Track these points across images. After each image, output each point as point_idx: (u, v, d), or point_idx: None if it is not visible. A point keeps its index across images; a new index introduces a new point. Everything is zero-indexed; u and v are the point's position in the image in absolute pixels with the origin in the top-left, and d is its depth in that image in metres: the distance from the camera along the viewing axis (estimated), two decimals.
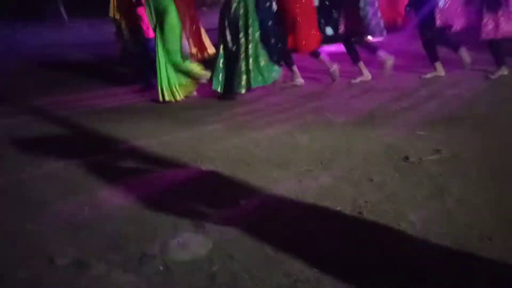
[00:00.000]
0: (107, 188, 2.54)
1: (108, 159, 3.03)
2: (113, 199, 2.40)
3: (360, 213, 2.05)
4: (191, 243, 1.93)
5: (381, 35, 4.41)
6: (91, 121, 3.89)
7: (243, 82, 4.13)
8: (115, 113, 4.15)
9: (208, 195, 2.36)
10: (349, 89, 4.21)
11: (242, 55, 4.12)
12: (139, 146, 3.19)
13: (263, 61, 4.17)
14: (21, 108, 4.55)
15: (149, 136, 3.40)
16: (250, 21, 4.09)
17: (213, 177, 2.62)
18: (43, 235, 2.08)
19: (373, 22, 4.20)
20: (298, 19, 4.25)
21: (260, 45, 4.16)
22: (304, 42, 4.30)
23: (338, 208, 2.10)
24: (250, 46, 4.11)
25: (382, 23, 4.30)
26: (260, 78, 4.17)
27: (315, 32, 4.37)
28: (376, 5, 4.25)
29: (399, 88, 4.06)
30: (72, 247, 1.95)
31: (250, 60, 4.10)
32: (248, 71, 4.12)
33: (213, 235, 1.95)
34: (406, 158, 2.59)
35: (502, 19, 3.71)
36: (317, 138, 3.06)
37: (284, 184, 2.40)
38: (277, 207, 2.17)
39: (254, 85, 4.16)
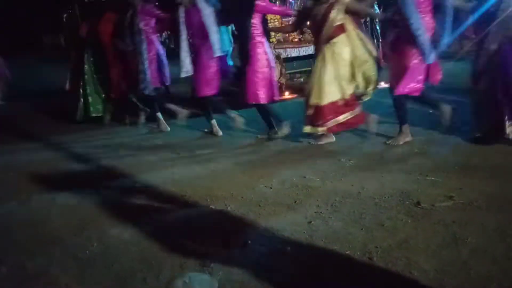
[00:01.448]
0: (116, 224, 2.56)
1: (121, 195, 3.08)
2: (121, 235, 2.41)
3: (370, 258, 2.00)
4: (196, 282, 1.90)
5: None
6: (106, 157, 4.00)
7: None
8: (129, 149, 4.25)
9: (217, 235, 2.35)
10: (361, 132, 4.23)
11: None
12: (151, 182, 3.24)
13: None
14: (37, 144, 4.70)
15: (162, 172, 3.47)
16: None
17: (223, 216, 2.61)
18: (53, 270, 2.09)
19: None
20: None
21: None
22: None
23: (348, 252, 2.06)
24: None
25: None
26: None
27: None
28: None
29: (410, 130, 4.05)
30: (79, 285, 1.95)
31: None
32: None
33: (220, 275, 1.92)
34: (418, 203, 2.55)
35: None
36: (328, 180, 3.06)
37: (294, 226, 2.37)
38: (285, 249, 2.14)
39: None
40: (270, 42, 6.59)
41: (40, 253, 2.27)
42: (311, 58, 7.82)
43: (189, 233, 2.39)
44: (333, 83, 3.80)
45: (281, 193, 2.90)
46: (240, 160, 3.68)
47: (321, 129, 3.87)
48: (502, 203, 2.47)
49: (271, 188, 3.00)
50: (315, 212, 2.56)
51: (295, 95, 6.51)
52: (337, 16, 3.72)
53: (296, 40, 7.26)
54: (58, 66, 7.95)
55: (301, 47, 7.26)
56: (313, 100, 3.83)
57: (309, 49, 7.34)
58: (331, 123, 3.85)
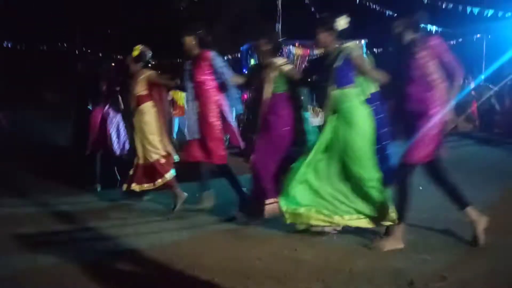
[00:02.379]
0: None
1: (105, 259, 2.97)
2: None
3: None
4: None
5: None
6: (94, 219, 3.90)
7: None
8: (118, 211, 4.17)
9: None
10: None
11: None
12: (137, 247, 3.14)
13: None
14: (24, 201, 4.60)
15: (149, 236, 3.38)
16: None
17: None
18: None
19: None
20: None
21: None
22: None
23: None
24: None
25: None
26: None
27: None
28: None
29: None
30: None
31: None
32: None
33: None
34: (411, 283, 2.48)
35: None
36: (320, 254, 2.99)
37: None
38: None
39: None
40: None
41: None
42: None
43: None
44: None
45: (271, 265, 2.82)
46: (231, 228, 3.61)
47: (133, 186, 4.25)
48: (493, 281, 2.43)
49: (261, 259, 2.91)
50: (305, 287, 2.47)
51: None
52: (139, 86, 4.26)
53: None
54: (58, 123, 8.07)
55: None
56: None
57: None
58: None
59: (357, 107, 3.20)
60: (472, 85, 10.48)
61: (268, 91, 3.63)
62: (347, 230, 3.45)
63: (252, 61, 7.31)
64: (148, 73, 4.33)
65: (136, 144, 4.40)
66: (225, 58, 16.53)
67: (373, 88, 3.34)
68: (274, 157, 3.60)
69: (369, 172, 3.15)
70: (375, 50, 14.43)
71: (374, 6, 11.72)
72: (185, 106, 4.49)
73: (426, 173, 3.20)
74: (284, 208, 3.24)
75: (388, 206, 3.13)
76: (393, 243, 3.07)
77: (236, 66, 11.62)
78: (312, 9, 11.83)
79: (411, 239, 3.23)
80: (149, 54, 4.45)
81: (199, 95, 3.93)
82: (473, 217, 3.07)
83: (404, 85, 3.11)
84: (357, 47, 3.34)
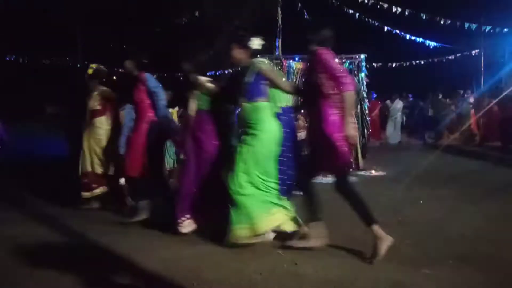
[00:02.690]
0: None
1: (104, 273, 2.94)
2: None
3: None
4: None
5: None
6: (94, 232, 3.88)
7: None
8: (117, 226, 4.15)
9: None
10: (353, 221, 4.22)
11: None
12: (138, 261, 3.12)
13: None
14: (26, 216, 4.59)
15: (148, 250, 3.35)
16: None
17: None
18: None
19: None
20: None
21: None
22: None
23: None
24: None
25: None
26: None
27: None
28: None
29: (402, 222, 4.06)
30: None
31: None
32: None
33: None
34: None
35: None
36: (321, 268, 2.97)
37: None
38: None
39: None
40: None
41: None
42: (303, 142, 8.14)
43: None
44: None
45: (271, 280, 2.80)
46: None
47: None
48: None
49: (260, 274, 2.89)
50: None
51: None
52: (93, 101, 4.74)
53: None
54: (57, 134, 8.07)
55: None
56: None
57: (302, 135, 7.64)
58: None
59: (265, 120, 3.34)
60: (471, 99, 10.58)
61: (192, 108, 3.79)
62: (345, 242, 3.45)
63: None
64: (101, 89, 4.84)
65: (85, 153, 4.80)
66: (226, 72, 16.76)
67: (285, 102, 3.58)
68: (199, 173, 3.71)
69: (269, 183, 3.37)
70: (374, 64, 14.59)
71: (373, 22, 11.88)
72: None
73: (335, 186, 3.25)
74: (237, 230, 3.28)
75: (287, 214, 3.39)
76: (314, 242, 3.27)
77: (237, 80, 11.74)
78: (312, 23, 11.99)
79: (411, 253, 3.22)
80: (104, 72, 4.99)
81: (136, 113, 4.33)
82: (378, 234, 3.09)
83: (307, 96, 3.28)
84: (265, 62, 3.48)
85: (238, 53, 3.45)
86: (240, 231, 3.27)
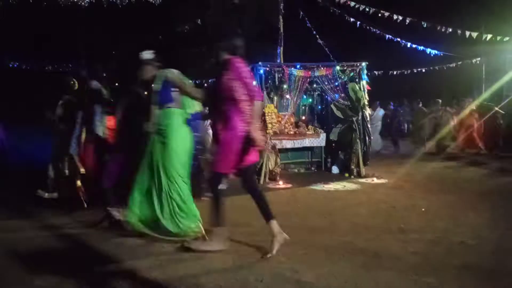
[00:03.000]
0: None
1: (103, 280, 2.92)
2: None
3: None
4: None
5: None
6: (92, 239, 3.86)
7: None
8: (115, 232, 4.12)
9: None
10: (355, 230, 4.20)
11: None
12: (137, 268, 3.10)
13: None
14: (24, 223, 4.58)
15: (148, 257, 3.34)
16: None
17: None
18: None
19: None
20: None
21: None
22: None
23: None
24: None
25: None
26: None
27: None
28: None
29: (404, 230, 4.04)
30: None
31: None
32: None
33: None
34: None
35: None
36: (322, 276, 2.95)
37: None
38: None
39: None
40: (266, 133, 6.91)
41: None
42: (305, 150, 8.17)
43: None
44: None
45: (272, 287, 2.77)
46: (231, 248, 3.57)
47: None
48: None
49: (261, 281, 2.87)
50: None
51: (289, 185, 6.58)
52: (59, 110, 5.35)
53: (291, 132, 7.60)
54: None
55: (296, 139, 7.56)
56: None
57: (304, 142, 7.66)
58: None
59: (175, 125, 3.65)
60: (474, 107, 10.60)
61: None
62: (347, 251, 3.42)
63: (254, 83, 7.42)
64: (66, 98, 5.30)
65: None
66: None
67: (196, 108, 3.85)
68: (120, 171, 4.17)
69: (178, 186, 3.64)
70: (375, 72, 14.63)
71: (374, 30, 11.93)
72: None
73: (241, 184, 3.42)
74: (129, 219, 3.72)
75: (192, 221, 3.67)
76: (214, 245, 3.39)
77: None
78: (314, 32, 12.05)
79: (414, 261, 3.19)
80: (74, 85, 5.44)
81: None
82: (275, 230, 3.33)
83: (216, 102, 3.42)
84: (172, 71, 3.79)
85: (148, 70, 3.83)
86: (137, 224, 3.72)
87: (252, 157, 3.36)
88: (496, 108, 10.29)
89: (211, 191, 3.41)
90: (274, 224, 3.34)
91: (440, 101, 11.33)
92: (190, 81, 3.85)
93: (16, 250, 3.55)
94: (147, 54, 3.87)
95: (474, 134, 10.16)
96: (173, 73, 3.77)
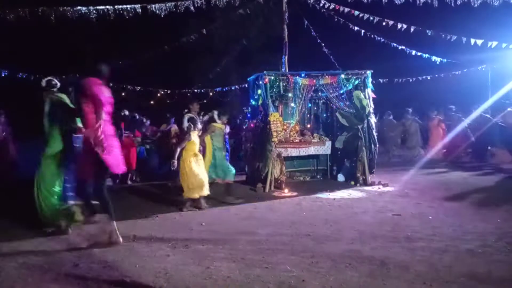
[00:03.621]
0: None
1: (100, 279, 2.93)
2: None
3: None
4: None
5: None
6: (98, 245, 3.88)
7: None
8: (124, 238, 4.14)
9: None
10: (362, 238, 4.17)
11: None
12: (143, 277, 3.11)
13: None
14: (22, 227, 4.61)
15: (155, 266, 3.34)
16: None
17: None
18: None
19: None
20: None
21: None
22: None
23: None
24: None
25: None
26: None
27: None
28: None
29: (411, 238, 4.01)
30: None
31: None
32: None
33: None
34: None
35: None
36: (328, 285, 2.93)
37: None
38: None
39: None
40: (272, 142, 6.94)
41: None
42: (310, 158, 8.16)
43: None
44: None
45: None
46: (237, 256, 3.57)
47: None
48: None
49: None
50: None
51: (294, 193, 6.57)
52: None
53: (296, 140, 7.60)
54: None
55: (301, 147, 7.56)
56: None
57: (309, 150, 7.65)
58: None
59: (55, 138, 4.38)
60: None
61: None
62: (353, 258, 3.40)
63: (259, 91, 7.44)
64: None
65: None
66: (233, 88, 16.87)
67: (77, 124, 4.44)
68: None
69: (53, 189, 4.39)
70: (380, 80, 14.62)
71: (379, 38, 11.97)
72: None
73: (92, 190, 4.02)
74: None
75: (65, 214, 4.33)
76: (111, 238, 3.91)
77: (244, 96, 11.82)
78: (318, 41, 12.10)
79: (421, 270, 3.16)
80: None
81: None
82: (112, 228, 3.92)
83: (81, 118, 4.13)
84: (55, 94, 4.49)
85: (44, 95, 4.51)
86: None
87: (103, 166, 3.91)
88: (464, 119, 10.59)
89: (82, 195, 4.16)
90: (114, 225, 3.94)
91: (411, 110, 11.71)
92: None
93: (21, 259, 3.57)
94: (43, 82, 4.57)
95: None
96: (56, 96, 4.48)
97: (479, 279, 2.97)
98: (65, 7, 7.38)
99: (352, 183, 7.36)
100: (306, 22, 11.66)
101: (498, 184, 7.06)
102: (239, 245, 3.82)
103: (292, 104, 7.57)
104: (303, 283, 2.96)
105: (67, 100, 4.51)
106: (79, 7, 7.53)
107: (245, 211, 4.42)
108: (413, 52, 12.69)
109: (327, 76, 7.51)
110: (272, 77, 7.36)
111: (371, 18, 10.27)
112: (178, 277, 3.11)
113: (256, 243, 3.92)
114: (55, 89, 4.55)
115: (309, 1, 10.52)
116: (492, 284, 2.87)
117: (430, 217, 4.78)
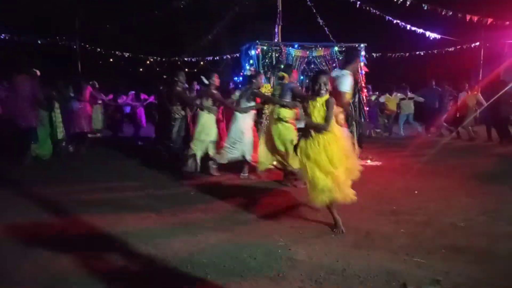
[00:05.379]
0: (89, 284, 2.42)
1: (98, 255, 2.95)
2: None
3: None
4: None
5: None
6: (87, 211, 3.88)
7: None
8: (111, 207, 4.15)
9: None
10: (348, 210, 4.24)
11: None
12: (131, 242, 3.13)
13: None
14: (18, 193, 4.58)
15: (143, 232, 3.37)
16: None
17: (202, 285, 2.50)
18: None
19: None
20: None
21: None
22: None
23: None
24: None
25: None
26: None
27: None
28: None
29: (396, 211, 4.09)
30: None
31: None
32: None
33: None
34: (404, 285, 2.49)
35: None
36: (314, 254, 2.99)
37: None
38: None
39: None
40: (263, 114, 6.89)
41: None
42: (299, 131, 8.14)
43: None
44: None
45: (265, 264, 2.82)
46: (226, 225, 3.61)
47: None
48: None
49: (255, 258, 2.91)
50: (298, 287, 2.47)
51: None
52: None
53: None
54: None
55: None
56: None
57: (300, 123, 7.63)
58: None
59: None
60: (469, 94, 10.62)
61: None
62: (340, 230, 3.47)
63: (251, 61, 7.31)
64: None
65: None
66: (224, 57, 16.53)
67: None
68: None
69: None
70: (373, 54, 14.50)
71: (374, 11, 11.77)
72: None
73: None
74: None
75: None
76: None
77: (236, 65, 11.63)
78: (314, 10, 11.85)
79: (405, 242, 3.24)
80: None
81: None
82: None
83: None
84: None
85: None
86: None
87: None
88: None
89: None
90: None
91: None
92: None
93: (9, 219, 3.55)
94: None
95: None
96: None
97: (460, 251, 3.06)
98: None
99: None
100: None
101: (484, 162, 7.19)
102: (230, 217, 3.85)
103: None
104: (290, 252, 3.02)
105: None
106: None
107: (234, 190, 4.45)
108: (408, 27, 12.54)
109: (320, 48, 7.42)
110: (265, 47, 7.23)
111: None
112: (167, 243, 3.14)
113: (246, 210, 3.96)
114: None
115: None
116: (472, 257, 2.97)
117: (416, 191, 4.86)
